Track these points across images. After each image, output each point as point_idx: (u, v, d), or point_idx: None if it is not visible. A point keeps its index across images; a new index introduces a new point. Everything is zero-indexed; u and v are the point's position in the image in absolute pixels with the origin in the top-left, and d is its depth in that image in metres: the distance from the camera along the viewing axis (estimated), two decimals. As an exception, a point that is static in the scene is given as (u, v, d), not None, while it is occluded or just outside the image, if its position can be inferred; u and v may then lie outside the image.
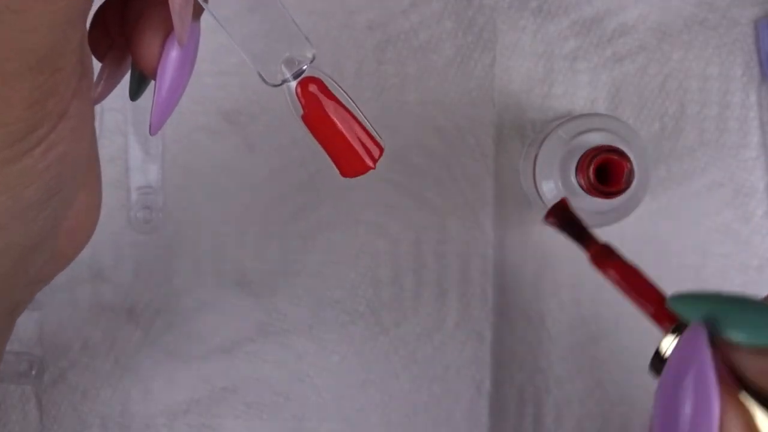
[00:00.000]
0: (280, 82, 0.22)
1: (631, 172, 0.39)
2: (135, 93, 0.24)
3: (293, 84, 0.22)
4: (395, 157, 0.46)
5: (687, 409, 0.21)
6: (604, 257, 0.29)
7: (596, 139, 0.41)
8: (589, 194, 0.39)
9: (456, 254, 0.46)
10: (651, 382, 0.50)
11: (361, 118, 0.24)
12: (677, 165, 0.47)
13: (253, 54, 0.22)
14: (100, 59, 0.24)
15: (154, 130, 0.23)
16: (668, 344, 0.24)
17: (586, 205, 0.41)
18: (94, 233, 0.28)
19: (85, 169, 0.25)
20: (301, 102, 0.23)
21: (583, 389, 0.47)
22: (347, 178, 0.49)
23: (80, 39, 0.20)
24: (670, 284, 0.47)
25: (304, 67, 0.22)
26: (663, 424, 0.21)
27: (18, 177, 0.21)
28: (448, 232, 0.46)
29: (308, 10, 0.46)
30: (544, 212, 0.35)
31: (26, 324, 0.46)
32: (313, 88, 0.23)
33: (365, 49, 0.46)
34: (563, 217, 0.32)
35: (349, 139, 0.23)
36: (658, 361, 0.25)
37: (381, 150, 0.24)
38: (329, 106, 0.23)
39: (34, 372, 0.46)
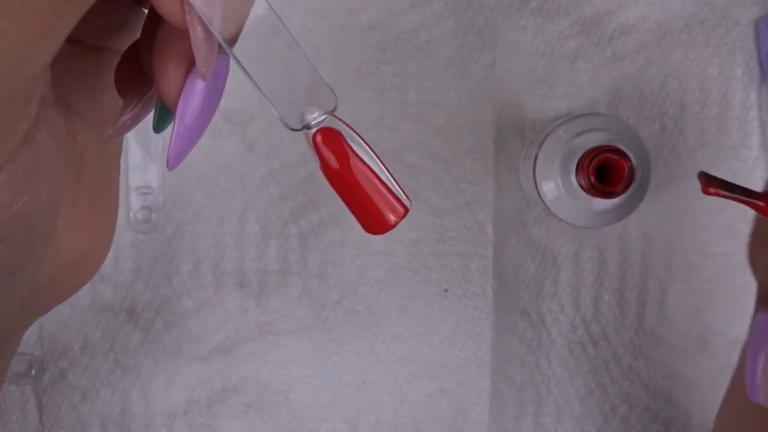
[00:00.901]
0: (300, 128, 0.22)
1: (631, 172, 0.39)
2: (157, 126, 0.24)
3: (311, 132, 0.22)
4: (395, 157, 0.46)
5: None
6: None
7: (596, 139, 0.41)
8: (589, 194, 0.40)
9: (456, 254, 0.46)
10: (650, 382, 0.50)
11: (383, 174, 0.23)
12: (677, 165, 0.47)
13: (274, 97, 0.21)
14: (121, 94, 0.24)
15: (171, 165, 0.22)
16: None
17: (586, 205, 0.41)
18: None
19: (53, 223, 0.24)
20: (318, 152, 0.22)
21: (583, 389, 0.47)
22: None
23: (36, 65, 0.19)
24: (670, 284, 0.47)
25: (324, 117, 0.22)
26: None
27: None
28: (448, 232, 0.46)
29: (308, 9, 0.46)
30: (545, 213, 0.34)
31: (26, 324, 0.46)
32: (331, 140, 0.22)
33: (365, 49, 0.46)
34: (720, 182, 0.31)
35: (369, 194, 0.22)
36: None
37: (405, 209, 0.23)
38: (348, 161, 0.22)
39: (34, 372, 0.46)
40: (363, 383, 0.47)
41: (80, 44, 0.23)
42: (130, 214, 0.46)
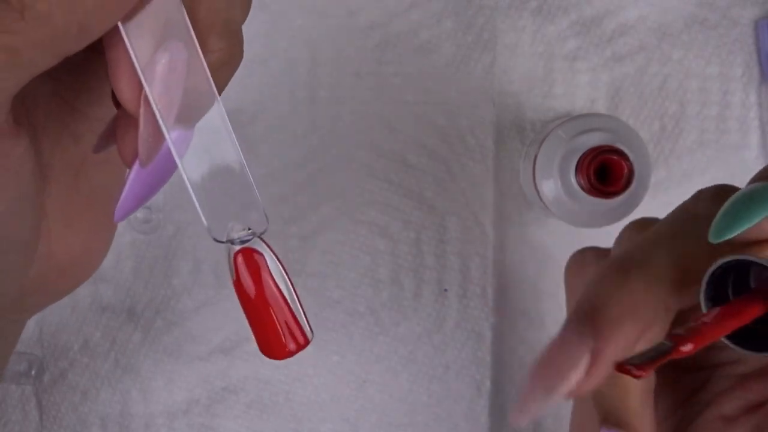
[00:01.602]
0: (224, 240, 0.22)
1: (631, 172, 0.39)
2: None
3: (235, 248, 0.22)
4: (395, 157, 0.46)
5: None
6: (694, 336, 0.22)
7: (596, 139, 0.41)
8: (589, 194, 0.40)
9: (456, 254, 0.46)
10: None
11: (293, 304, 0.23)
12: (677, 165, 0.47)
13: (206, 205, 0.21)
14: (116, 106, 0.24)
15: (117, 218, 0.22)
16: None
17: (586, 205, 0.41)
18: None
19: (21, 233, 0.23)
20: (236, 269, 0.22)
21: (583, 389, 0.47)
22: (347, 180, 0.49)
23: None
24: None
25: (251, 237, 0.22)
26: None
27: None
28: (448, 232, 0.46)
29: (308, 9, 0.46)
30: (545, 213, 0.34)
31: (26, 324, 0.46)
32: (252, 260, 0.22)
33: (365, 49, 0.46)
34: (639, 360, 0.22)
35: (275, 320, 0.23)
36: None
37: (306, 341, 0.23)
38: (263, 285, 0.22)
39: (34, 372, 0.46)
40: (363, 383, 0.47)
41: (89, 48, 0.23)
42: (130, 215, 0.46)
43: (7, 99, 0.19)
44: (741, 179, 0.48)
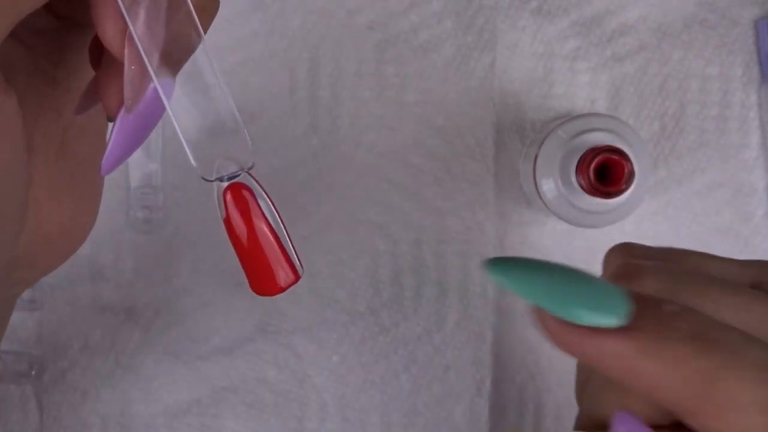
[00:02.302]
0: (213, 179, 0.22)
1: (631, 172, 0.39)
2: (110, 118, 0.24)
3: (223, 185, 0.22)
4: (395, 157, 0.46)
5: None
6: None
7: (596, 139, 0.41)
8: (589, 194, 0.40)
9: (456, 254, 0.46)
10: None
11: (284, 239, 0.23)
12: (677, 165, 0.47)
13: (193, 144, 0.21)
14: (94, 69, 0.24)
15: (104, 172, 0.23)
16: None
17: (586, 205, 0.41)
18: (95, 233, 0.28)
19: (11, 199, 0.24)
20: (225, 206, 0.22)
21: (583, 389, 0.47)
22: (347, 180, 0.49)
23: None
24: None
25: (239, 172, 0.22)
26: None
27: None
28: (448, 232, 0.46)
29: (308, 10, 0.46)
30: (545, 213, 0.34)
31: (26, 324, 0.46)
32: (241, 196, 0.22)
33: (365, 49, 0.46)
34: None
35: (265, 256, 0.23)
36: None
37: (296, 277, 0.23)
38: (253, 219, 0.22)
39: (34, 372, 0.46)
40: (363, 383, 0.47)
41: (65, 19, 0.23)
42: (130, 214, 0.46)
43: (4, 33, 0.19)
44: (741, 179, 0.48)
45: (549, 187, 0.42)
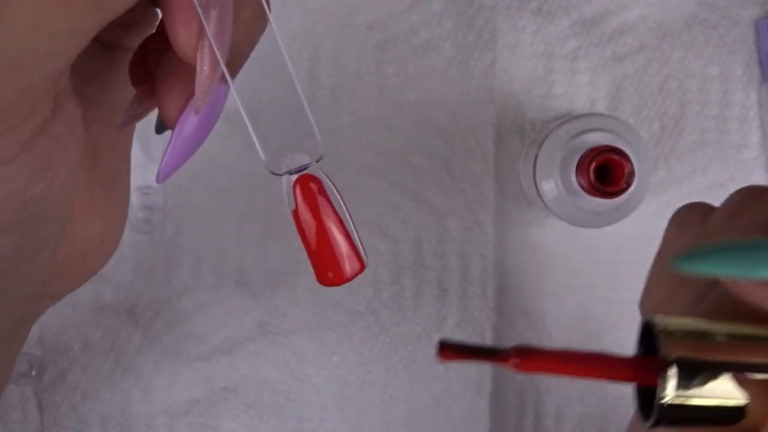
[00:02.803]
0: (282, 173, 0.23)
1: (631, 172, 0.39)
2: (159, 130, 0.25)
3: (293, 178, 0.23)
4: (395, 157, 0.46)
5: None
6: (530, 354, 0.24)
7: (596, 139, 0.41)
8: (589, 194, 0.40)
9: (456, 254, 0.46)
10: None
11: (351, 230, 0.23)
12: (677, 165, 0.47)
13: (262, 139, 0.22)
14: (135, 86, 0.24)
15: (160, 180, 0.24)
16: (670, 389, 0.21)
17: (586, 205, 0.41)
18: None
19: (67, 216, 0.24)
20: (295, 197, 0.23)
21: (584, 389, 0.47)
22: (347, 180, 0.49)
23: (61, 61, 0.20)
24: (670, 284, 0.47)
25: (308, 164, 0.23)
26: None
27: None
28: (448, 232, 0.46)
29: (308, 9, 0.46)
30: (545, 213, 0.34)
31: (26, 324, 0.46)
32: (311, 187, 0.23)
33: (365, 49, 0.46)
34: (457, 348, 0.23)
35: (333, 247, 0.23)
36: (648, 408, 0.23)
37: (362, 267, 0.23)
38: (321, 210, 0.23)
39: (34, 372, 0.46)
40: (363, 383, 0.47)
41: (95, 40, 0.24)
42: (131, 214, 0.46)
43: (82, 45, 0.19)
44: (741, 179, 0.48)
45: (549, 187, 0.42)
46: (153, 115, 0.25)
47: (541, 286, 0.47)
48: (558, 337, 0.47)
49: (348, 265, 0.23)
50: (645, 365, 0.23)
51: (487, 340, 0.46)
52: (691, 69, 0.47)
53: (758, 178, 0.47)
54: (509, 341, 0.47)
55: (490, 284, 0.46)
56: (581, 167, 0.39)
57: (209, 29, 0.20)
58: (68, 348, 0.46)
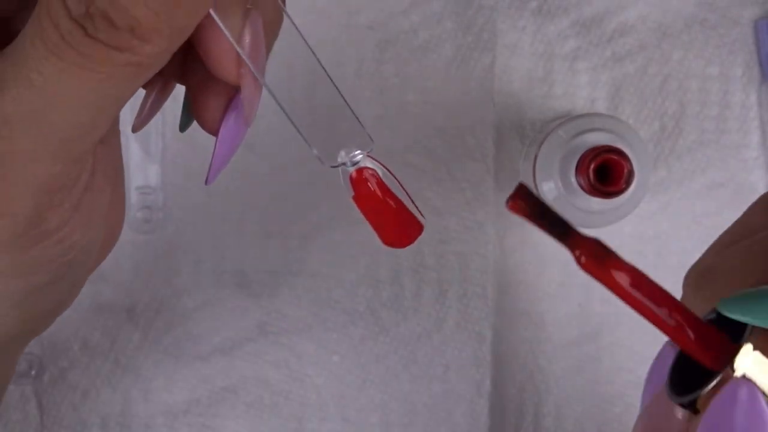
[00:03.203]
0: (337, 165, 0.25)
1: (631, 172, 0.39)
2: (185, 126, 0.26)
3: (349, 170, 0.25)
4: (395, 157, 0.46)
5: None
6: (602, 257, 0.22)
7: (596, 139, 0.41)
8: (589, 194, 0.40)
9: (456, 254, 0.46)
10: (651, 382, 0.49)
11: (406, 200, 0.26)
12: (677, 165, 0.47)
13: (313, 137, 0.24)
14: (143, 87, 0.25)
15: (210, 182, 0.25)
16: (741, 369, 0.20)
17: (586, 205, 0.41)
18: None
19: (96, 249, 0.25)
20: (353, 187, 0.25)
21: (583, 389, 0.47)
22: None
23: (105, 127, 0.21)
24: (670, 284, 0.47)
25: (360, 157, 0.25)
26: None
27: (25, 264, 0.22)
28: (448, 232, 0.46)
29: (308, 9, 0.46)
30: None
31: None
32: (366, 176, 0.26)
33: (365, 49, 0.46)
34: (530, 206, 0.21)
35: (393, 220, 0.26)
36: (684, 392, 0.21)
37: (421, 228, 0.26)
38: (379, 193, 0.26)
39: (34, 372, 0.46)
40: (363, 383, 0.47)
41: None
42: (130, 214, 0.46)
43: (122, 106, 0.21)
44: (741, 179, 0.48)
45: (549, 187, 0.42)
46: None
47: (541, 286, 0.47)
48: (558, 337, 0.47)
49: (408, 232, 0.26)
50: (715, 340, 0.20)
51: (486, 340, 0.46)
52: (691, 69, 0.47)
53: (758, 178, 0.47)
54: (509, 341, 0.47)
55: (490, 284, 0.46)
56: (581, 167, 0.39)
57: (245, 54, 0.22)
58: (68, 348, 0.46)
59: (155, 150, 0.46)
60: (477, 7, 0.46)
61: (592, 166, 0.39)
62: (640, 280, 0.21)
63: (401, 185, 0.26)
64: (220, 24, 0.21)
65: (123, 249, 0.46)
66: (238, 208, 0.46)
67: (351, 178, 0.25)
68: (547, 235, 0.21)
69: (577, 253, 0.21)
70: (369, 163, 0.25)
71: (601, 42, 0.47)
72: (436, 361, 0.47)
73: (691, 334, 0.20)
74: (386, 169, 0.26)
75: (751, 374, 0.20)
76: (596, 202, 0.40)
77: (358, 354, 0.47)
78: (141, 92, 0.26)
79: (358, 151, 0.25)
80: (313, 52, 0.24)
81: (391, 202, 0.26)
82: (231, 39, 0.21)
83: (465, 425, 0.47)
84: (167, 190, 0.46)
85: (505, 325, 0.47)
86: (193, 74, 0.24)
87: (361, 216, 0.48)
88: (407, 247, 0.47)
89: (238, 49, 0.21)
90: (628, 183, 0.39)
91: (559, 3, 0.46)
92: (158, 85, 0.25)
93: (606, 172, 0.39)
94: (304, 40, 0.23)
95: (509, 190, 0.48)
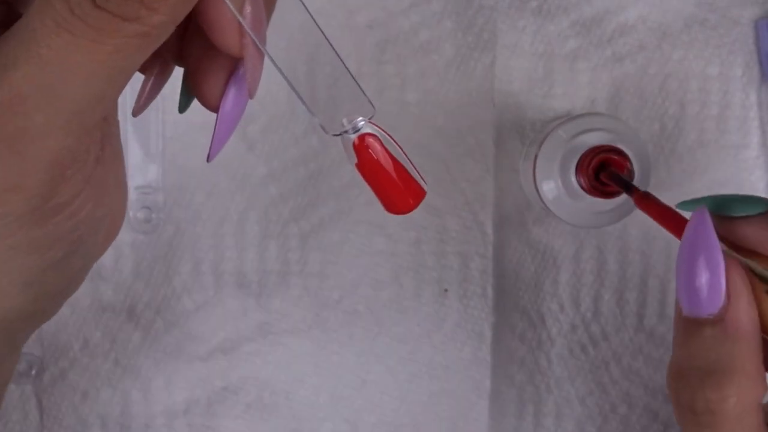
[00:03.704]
0: (339, 133, 0.25)
1: (631, 172, 0.39)
2: (184, 107, 0.26)
3: (351, 137, 0.25)
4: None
5: (703, 279, 0.28)
6: (646, 199, 0.34)
7: (596, 139, 0.41)
8: (589, 194, 0.40)
9: (456, 254, 0.46)
10: (650, 382, 0.50)
11: (408, 166, 0.27)
12: (677, 165, 0.47)
13: (315, 106, 0.25)
14: (141, 71, 0.25)
15: (211, 158, 0.26)
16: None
17: (586, 205, 0.41)
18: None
19: (108, 222, 0.26)
20: (356, 153, 0.26)
21: (583, 389, 0.47)
22: (347, 180, 0.49)
23: (114, 97, 0.21)
24: (669, 284, 0.47)
25: (362, 123, 0.25)
26: (687, 294, 0.28)
27: (40, 239, 0.22)
28: (448, 232, 0.46)
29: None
30: (545, 213, 0.36)
31: (26, 324, 0.46)
32: (368, 142, 0.26)
33: (365, 49, 0.46)
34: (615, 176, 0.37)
35: (395, 185, 0.26)
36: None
37: (423, 193, 0.27)
38: (381, 158, 0.26)
39: (34, 372, 0.46)
40: (363, 383, 0.47)
41: None
42: (130, 214, 0.46)
43: (130, 78, 0.21)
44: (741, 179, 0.48)
45: (549, 187, 0.42)
46: (147, 113, 0.26)
47: (541, 286, 0.47)
48: (558, 337, 0.47)
49: (410, 197, 0.27)
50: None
51: (487, 340, 0.46)
52: (691, 69, 0.47)
53: (758, 178, 0.47)
54: (509, 341, 0.47)
55: (490, 284, 0.46)
56: (581, 167, 0.39)
57: (247, 26, 0.22)
58: (68, 348, 0.46)
59: (155, 150, 0.46)
60: (477, 7, 0.46)
61: (592, 166, 0.39)
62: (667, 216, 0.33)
63: (402, 151, 0.26)
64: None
65: (123, 249, 0.46)
66: (238, 208, 0.46)
67: (354, 144, 0.25)
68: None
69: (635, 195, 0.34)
70: (370, 129, 0.26)
71: (601, 42, 0.47)
72: (436, 361, 0.47)
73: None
74: (387, 135, 0.26)
75: None
76: (596, 202, 0.40)
77: (358, 354, 0.47)
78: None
79: (360, 118, 0.25)
80: (314, 20, 0.24)
81: (394, 167, 0.26)
82: (233, 9, 0.21)
83: (465, 425, 0.47)
84: (167, 190, 0.46)
85: (505, 325, 0.47)
86: (192, 52, 0.24)
87: (362, 216, 0.49)
88: (407, 248, 0.47)
89: (241, 20, 0.22)
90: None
91: (559, 3, 0.46)
92: (156, 67, 0.25)
93: (606, 172, 0.39)
94: (305, 6, 0.24)
95: (509, 190, 0.48)
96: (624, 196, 0.40)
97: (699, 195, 0.47)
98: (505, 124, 0.47)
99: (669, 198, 0.47)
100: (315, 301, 0.47)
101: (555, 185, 0.42)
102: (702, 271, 0.28)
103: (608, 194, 0.39)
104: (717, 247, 0.28)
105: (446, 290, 0.47)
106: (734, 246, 0.30)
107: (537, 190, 0.42)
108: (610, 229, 0.46)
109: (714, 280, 0.28)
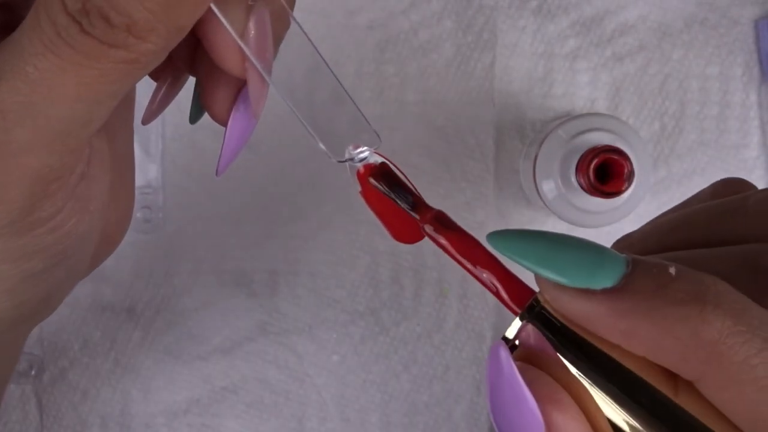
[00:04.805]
0: (345, 160, 0.25)
1: (631, 172, 0.39)
2: (195, 119, 0.26)
3: (356, 165, 0.25)
4: (395, 157, 0.46)
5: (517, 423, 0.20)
6: (440, 225, 0.25)
7: (596, 139, 0.41)
8: (589, 194, 0.40)
9: (456, 254, 0.46)
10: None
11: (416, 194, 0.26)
12: (677, 165, 0.47)
13: (321, 134, 0.25)
14: (154, 78, 0.25)
15: (220, 174, 0.26)
16: (514, 331, 0.21)
17: (586, 205, 0.41)
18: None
19: (94, 239, 0.26)
20: (360, 182, 0.26)
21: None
22: (347, 180, 0.49)
23: (102, 120, 0.21)
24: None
25: (367, 153, 0.25)
26: None
27: (18, 250, 0.22)
28: (448, 232, 0.46)
29: (308, 10, 0.46)
30: (545, 213, 0.34)
31: (26, 324, 0.46)
32: (372, 172, 0.26)
33: (365, 49, 0.46)
34: (387, 178, 0.26)
35: (401, 215, 0.26)
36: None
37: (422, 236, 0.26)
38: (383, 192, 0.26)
39: (34, 372, 0.46)
40: (363, 383, 0.47)
41: None
42: (130, 214, 0.46)
43: (118, 101, 0.21)
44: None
45: (549, 187, 0.42)
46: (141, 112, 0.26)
47: (541, 286, 0.47)
48: (558, 337, 0.47)
49: (415, 228, 0.26)
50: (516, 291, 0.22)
51: (487, 340, 0.46)
52: (691, 69, 0.47)
53: (758, 178, 0.47)
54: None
55: (490, 284, 0.46)
56: (581, 167, 0.39)
57: (250, 49, 0.22)
58: (68, 347, 0.46)
59: (155, 150, 0.46)
60: (477, 7, 0.46)
61: (592, 166, 0.39)
62: (466, 243, 0.24)
63: (408, 180, 0.26)
64: (222, 19, 0.21)
65: (123, 249, 0.46)
66: (238, 208, 0.46)
67: (358, 173, 0.25)
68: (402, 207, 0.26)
69: (427, 227, 0.25)
70: (374, 160, 0.26)
71: (601, 42, 0.47)
72: (436, 361, 0.47)
73: (504, 294, 0.22)
74: (393, 165, 0.26)
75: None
76: (596, 202, 0.40)
77: (358, 354, 0.47)
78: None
79: (365, 148, 0.25)
80: (316, 49, 0.24)
81: (396, 196, 0.26)
82: (234, 34, 0.21)
83: (465, 425, 0.47)
84: (167, 190, 0.46)
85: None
86: (202, 65, 0.24)
87: (362, 216, 0.49)
88: (407, 248, 0.47)
89: (241, 44, 0.21)
90: (628, 183, 0.39)
91: (559, 3, 0.46)
92: (169, 77, 0.25)
93: (606, 172, 0.39)
94: (307, 36, 0.24)
95: (509, 190, 0.48)
96: (624, 196, 0.40)
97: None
98: (505, 123, 0.47)
99: (669, 198, 0.47)
100: (315, 301, 0.46)
101: (555, 185, 0.42)
102: (513, 416, 0.20)
103: (608, 194, 0.39)
104: (524, 393, 0.19)
105: (446, 290, 0.47)
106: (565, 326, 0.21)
107: (537, 190, 0.42)
108: (610, 229, 0.46)
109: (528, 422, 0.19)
